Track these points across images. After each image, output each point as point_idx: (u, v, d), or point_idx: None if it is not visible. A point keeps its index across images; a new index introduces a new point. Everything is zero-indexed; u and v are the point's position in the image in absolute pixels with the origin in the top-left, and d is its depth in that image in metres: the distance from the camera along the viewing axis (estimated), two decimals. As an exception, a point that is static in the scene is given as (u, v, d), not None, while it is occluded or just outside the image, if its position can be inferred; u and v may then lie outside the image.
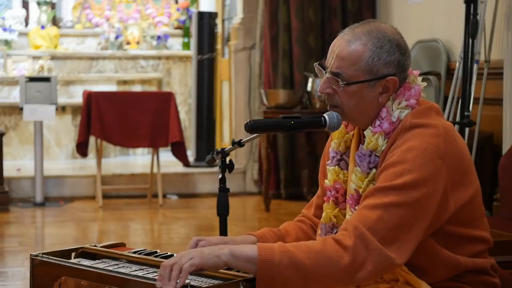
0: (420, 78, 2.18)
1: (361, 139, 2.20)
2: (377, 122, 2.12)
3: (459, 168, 2.06)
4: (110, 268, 2.04)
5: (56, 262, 2.10)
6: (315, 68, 2.21)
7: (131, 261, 2.12)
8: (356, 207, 2.08)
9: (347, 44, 2.11)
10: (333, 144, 2.28)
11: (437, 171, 2.01)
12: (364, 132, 2.15)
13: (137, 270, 2.03)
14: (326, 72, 2.15)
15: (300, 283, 1.92)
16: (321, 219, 2.27)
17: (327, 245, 1.94)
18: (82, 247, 2.22)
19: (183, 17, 10.48)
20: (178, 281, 1.86)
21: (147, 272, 2.00)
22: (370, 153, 2.12)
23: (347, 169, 2.23)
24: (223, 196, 2.40)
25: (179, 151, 7.28)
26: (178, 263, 1.87)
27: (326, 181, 2.27)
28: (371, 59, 2.09)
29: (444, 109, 5.35)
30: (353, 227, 1.95)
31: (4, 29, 9.68)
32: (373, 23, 2.14)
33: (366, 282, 2.02)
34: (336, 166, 2.25)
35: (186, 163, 7.53)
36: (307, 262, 1.91)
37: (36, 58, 9.50)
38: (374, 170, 2.11)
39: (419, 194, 1.98)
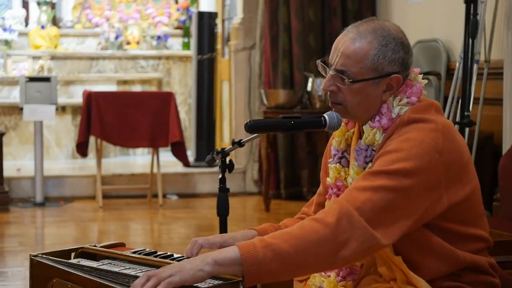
0: (420, 76, 2.19)
1: (361, 136, 2.20)
2: (377, 118, 2.12)
3: (457, 165, 2.06)
4: (109, 268, 2.03)
5: (49, 263, 2.09)
6: (318, 65, 2.20)
7: (131, 261, 2.12)
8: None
9: (352, 41, 2.11)
10: (334, 142, 2.28)
11: (433, 164, 2.01)
12: (363, 127, 2.15)
13: (136, 270, 2.03)
14: (330, 70, 2.15)
15: (287, 272, 1.92)
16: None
17: (305, 228, 1.94)
18: (82, 247, 2.22)
19: (183, 17, 10.48)
20: None
21: (139, 271, 2.00)
22: (367, 147, 2.13)
23: (348, 167, 2.23)
24: (223, 196, 2.40)
25: (179, 151, 7.28)
26: (157, 276, 1.84)
27: (328, 178, 2.27)
28: (377, 57, 2.09)
29: (444, 109, 5.35)
30: (340, 206, 1.95)
31: (4, 29, 9.68)
32: (377, 21, 2.15)
33: (350, 262, 2.00)
34: (338, 164, 2.26)
35: (186, 163, 7.52)
36: (291, 250, 1.90)
37: (36, 58, 9.50)
38: (370, 164, 2.11)
39: (410, 183, 1.98)
